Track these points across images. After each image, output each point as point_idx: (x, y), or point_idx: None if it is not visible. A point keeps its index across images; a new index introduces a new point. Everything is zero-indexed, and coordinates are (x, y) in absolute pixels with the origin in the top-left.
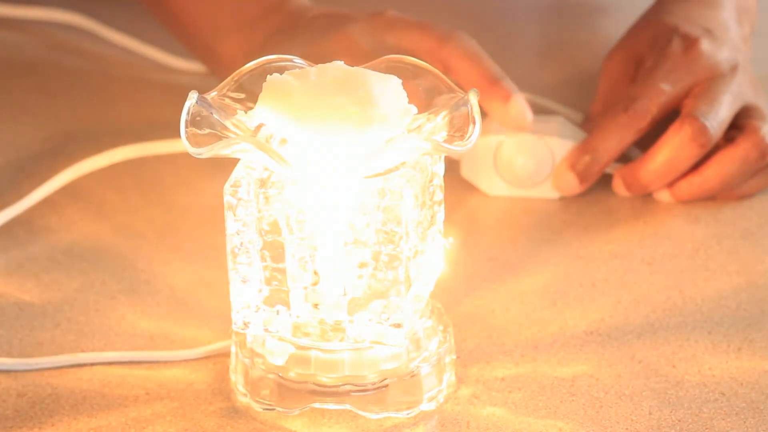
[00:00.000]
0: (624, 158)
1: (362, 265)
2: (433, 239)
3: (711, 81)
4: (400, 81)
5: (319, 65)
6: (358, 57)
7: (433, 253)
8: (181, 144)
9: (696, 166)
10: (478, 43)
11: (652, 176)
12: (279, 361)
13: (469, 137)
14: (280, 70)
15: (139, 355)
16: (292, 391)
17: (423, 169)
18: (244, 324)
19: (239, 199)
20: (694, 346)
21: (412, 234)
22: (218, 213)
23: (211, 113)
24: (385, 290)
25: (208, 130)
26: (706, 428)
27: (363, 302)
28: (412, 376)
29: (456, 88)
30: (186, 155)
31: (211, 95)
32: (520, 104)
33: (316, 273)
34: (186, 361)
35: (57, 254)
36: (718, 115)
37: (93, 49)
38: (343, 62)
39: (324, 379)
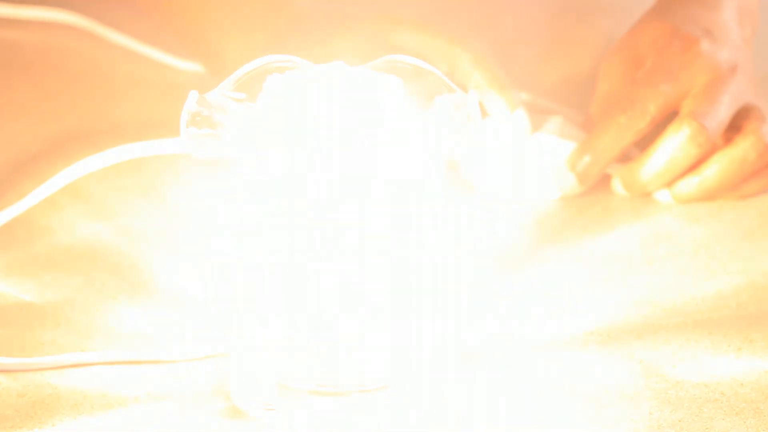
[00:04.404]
0: (624, 158)
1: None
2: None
3: (710, 82)
4: (401, 81)
5: (320, 65)
6: (363, 58)
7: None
8: (181, 144)
9: (695, 166)
10: (486, 48)
11: (651, 176)
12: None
13: (469, 137)
14: (281, 70)
15: (139, 355)
16: (292, 391)
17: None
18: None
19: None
20: (694, 346)
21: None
22: (218, 213)
23: (211, 113)
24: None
25: (208, 130)
26: (706, 428)
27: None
28: (412, 377)
29: (456, 88)
30: (186, 155)
31: (211, 95)
32: (523, 117)
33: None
34: (186, 361)
35: (57, 254)
36: (717, 116)
37: (93, 49)
38: (343, 62)
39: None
